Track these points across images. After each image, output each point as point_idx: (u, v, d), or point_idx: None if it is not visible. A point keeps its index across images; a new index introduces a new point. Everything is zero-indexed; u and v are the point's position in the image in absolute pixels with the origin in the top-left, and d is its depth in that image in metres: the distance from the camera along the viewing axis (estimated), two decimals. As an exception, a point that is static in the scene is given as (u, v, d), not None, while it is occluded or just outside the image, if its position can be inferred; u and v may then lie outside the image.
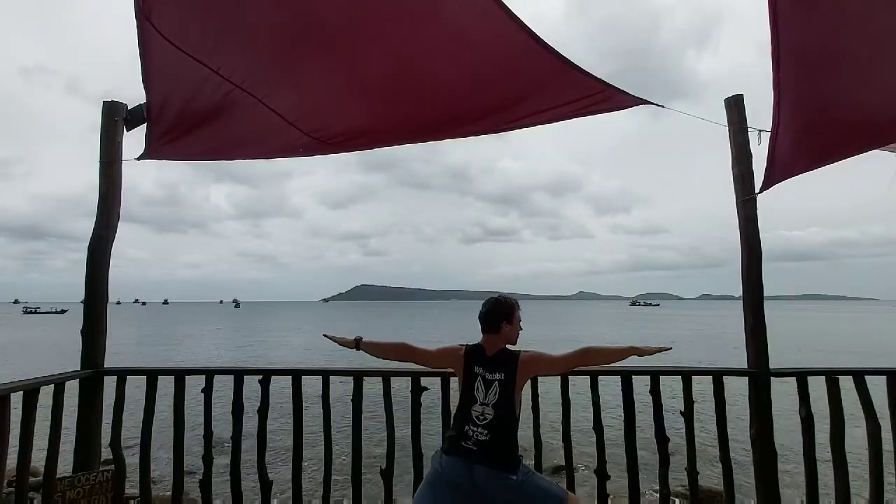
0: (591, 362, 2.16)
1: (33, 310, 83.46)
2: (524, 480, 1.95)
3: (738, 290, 2.86)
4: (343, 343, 2.31)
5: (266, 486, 2.77)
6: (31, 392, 2.37)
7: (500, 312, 2.13)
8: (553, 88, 2.31)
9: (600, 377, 2.83)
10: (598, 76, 2.21)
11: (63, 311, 79.73)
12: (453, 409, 2.21)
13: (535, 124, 2.60)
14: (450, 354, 2.18)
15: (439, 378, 2.75)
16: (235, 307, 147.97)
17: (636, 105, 2.39)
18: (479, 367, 2.06)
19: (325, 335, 2.45)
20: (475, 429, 1.98)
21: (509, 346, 2.14)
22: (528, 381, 2.79)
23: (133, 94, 2.76)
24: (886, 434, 2.61)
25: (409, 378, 2.78)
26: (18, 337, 33.57)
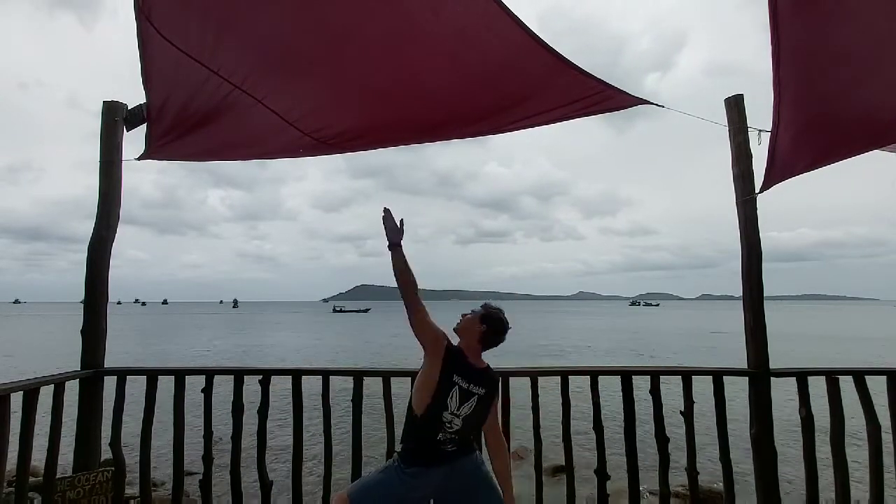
0: (492, 445, 2.10)
1: (340, 308, 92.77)
2: (483, 462, 2.06)
3: (738, 291, 2.86)
4: (390, 228, 2.02)
5: (266, 486, 2.77)
6: (31, 392, 2.37)
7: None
8: (553, 88, 2.30)
9: (600, 377, 2.84)
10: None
11: (366, 311, 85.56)
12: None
13: (535, 125, 2.60)
14: (438, 342, 1.96)
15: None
16: (234, 307, 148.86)
17: (636, 105, 2.38)
18: (458, 375, 1.93)
19: (386, 209, 2.08)
20: (447, 433, 1.92)
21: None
22: (529, 380, 2.80)
23: (133, 101, 2.77)
24: (886, 434, 2.61)
25: (409, 378, 2.77)
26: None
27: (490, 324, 2.02)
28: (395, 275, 1.99)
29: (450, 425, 1.91)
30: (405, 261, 2.00)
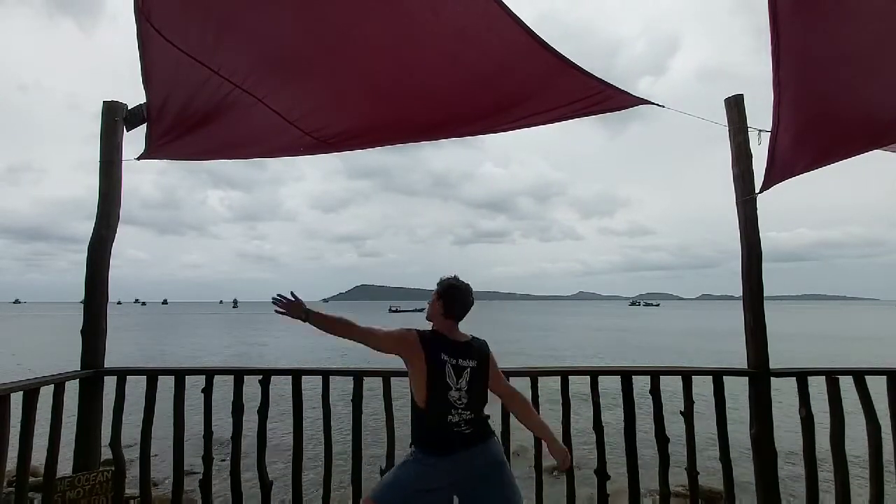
0: (512, 404, 2.20)
1: (396, 308, 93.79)
2: (501, 447, 2.08)
3: (738, 291, 2.86)
4: (294, 314, 2.05)
5: (266, 486, 2.77)
6: (31, 392, 2.37)
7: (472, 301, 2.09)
8: (553, 88, 2.30)
9: (600, 377, 2.84)
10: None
11: (422, 310, 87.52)
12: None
13: (535, 124, 2.60)
14: (403, 340, 2.00)
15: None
16: (234, 307, 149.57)
17: (637, 104, 2.38)
18: (445, 353, 1.96)
19: (273, 299, 2.07)
20: (459, 412, 1.93)
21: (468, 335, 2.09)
22: (529, 380, 2.80)
23: (133, 101, 2.64)
24: (886, 434, 2.61)
25: (409, 378, 2.77)
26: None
27: (444, 293, 2.04)
28: (329, 332, 2.05)
29: (459, 401, 1.94)
30: (324, 319, 2.03)
